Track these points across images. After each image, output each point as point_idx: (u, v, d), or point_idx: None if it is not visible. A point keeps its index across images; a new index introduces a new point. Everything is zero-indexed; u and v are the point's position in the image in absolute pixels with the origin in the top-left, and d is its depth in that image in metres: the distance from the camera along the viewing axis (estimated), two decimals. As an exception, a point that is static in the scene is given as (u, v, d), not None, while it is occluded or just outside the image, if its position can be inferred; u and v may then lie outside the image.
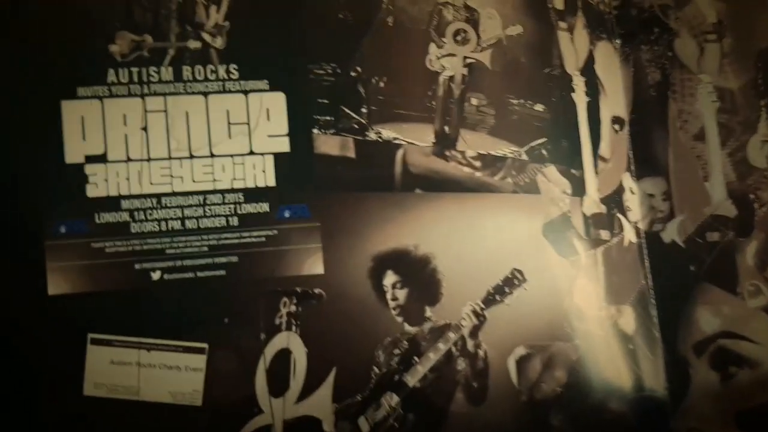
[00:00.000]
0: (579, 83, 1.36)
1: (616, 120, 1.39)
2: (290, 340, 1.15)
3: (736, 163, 1.36)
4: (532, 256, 1.25)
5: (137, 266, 1.13)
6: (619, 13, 1.40)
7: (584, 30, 1.38)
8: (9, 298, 1.09)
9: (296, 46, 1.19)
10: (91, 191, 1.13)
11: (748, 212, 1.34)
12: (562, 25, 1.37)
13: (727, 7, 1.36)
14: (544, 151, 1.30)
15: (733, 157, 1.36)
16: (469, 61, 1.29)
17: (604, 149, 1.37)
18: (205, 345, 1.13)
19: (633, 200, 1.37)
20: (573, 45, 1.37)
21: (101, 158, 1.13)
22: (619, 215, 1.35)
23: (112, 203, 1.13)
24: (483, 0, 1.30)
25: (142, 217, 1.14)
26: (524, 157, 1.29)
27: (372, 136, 1.22)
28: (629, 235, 1.35)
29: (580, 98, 1.36)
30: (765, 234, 1.33)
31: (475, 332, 1.21)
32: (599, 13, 1.40)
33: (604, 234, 1.33)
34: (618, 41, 1.40)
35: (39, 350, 1.09)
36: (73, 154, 1.13)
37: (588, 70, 1.38)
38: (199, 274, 1.14)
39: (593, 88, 1.38)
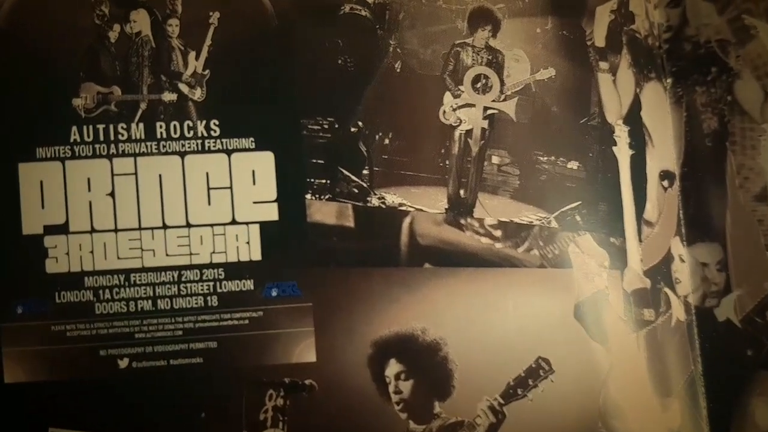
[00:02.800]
0: (622, 134, 1.36)
1: (666, 175, 1.38)
2: (277, 439, 1.16)
3: (805, 230, 1.34)
4: (562, 342, 1.25)
5: (102, 352, 1.15)
6: (670, 47, 1.39)
7: (630, 70, 1.38)
8: (-41, 387, 1.11)
9: (287, 97, 1.20)
10: (51, 266, 1.15)
11: (818, 289, 1.33)
12: (603, 65, 1.36)
13: (798, 45, 1.35)
14: (578, 217, 1.30)
15: (802, 223, 1.35)
16: (490, 112, 1.29)
17: (649, 212, 1.36)
18: (178, 443, 1.15)
19: (683, 270, 1.36)
20: (616, 89, 1.37)
21: (62, 229, 1.16)
22: (666, 290, 1.34)
23: (74, 280, 1.16)
24: (509, 40, 1.31)
25: (108, 296, 1.16)
26: (554, 224, 1.29)
27: (374, 202, 1.23)
28: (677, 313, 1.34)
29: (623, 152, 1.35)
30: (836, 316, 1.32)
31: (492, 432, 1.21)
32: (648, 49, 1.39)
33: (648, 313, 1.32)
34: (669, 80, 1.39)
35: (-8, 444, 1.11)
36: (31, 224, 1.16)
37: (632, 118, 1.37)
38: (173, 361, 1.16)
39: (638, 140, 1.37)
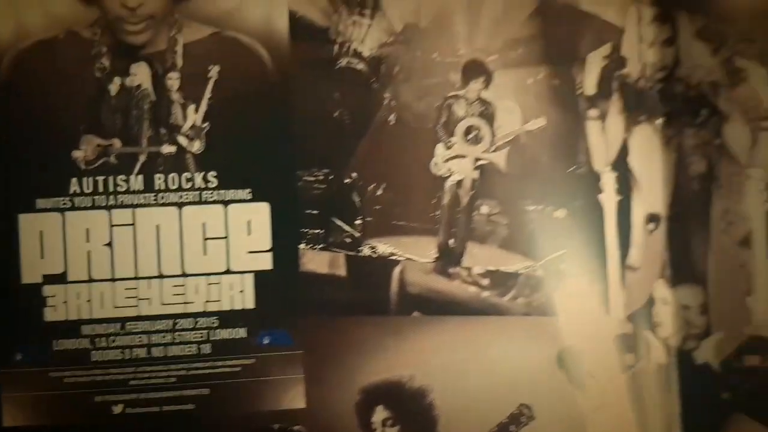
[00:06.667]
0: (609, 181, 1.17)
1: (652, 218, 1.19)
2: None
3: (786, 276, 1.15)
4: (544, 388, 1.08)
5: (98, 398, 0.99)
6: (663, 87, 1.20)
7: (620, 115, 1.19)
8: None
9: (284, 149, 1.02)
10: (50, 315, 0.99)
11: (795, 336, 1.14)
12: (593, 113, 1.17)
13: (789, 89, 1.15)
14: (563, 265, 1.12)
15: (783, 270, 1.16)
16: (480, 162, 1.11)
17: (633, 257, 1.18)
18: (171, 488, 0.99)
19: (665, 312, 1.18)
20: (604, 135, 1.18)
21: (61, 278, 0.99)
22: (648, 334, 1.16)
23: (71, 328, 0.99)
24: (500, 91, 1.12)
25: (104, 343, 0.99)
26: (540, 272, 1.11)
27: (366, 251, 1.05)
28: (657, 356, 1.15)
29: (609, 199, 1.17)
30: (813, 362, 1.13)
31: (475, 477, 1.04)
32: (639, 92, 1.20)
33: (629, 358, 1.14)
34: (660, 121, 1.20)
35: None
36: (31, 273, 0.99)
37: (620, 163, 1.18)
38: (165, 408, 0.99)
39: (625, 185, 1.18)
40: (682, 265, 1.18)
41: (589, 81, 1.17)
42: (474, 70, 1.11)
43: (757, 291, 1.16)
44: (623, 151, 1.19)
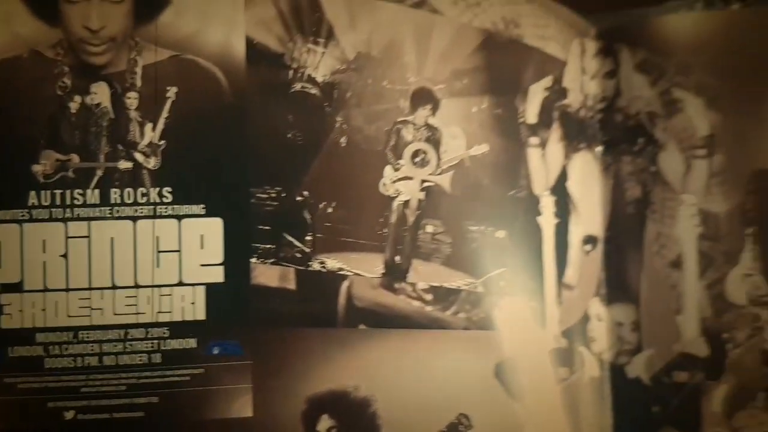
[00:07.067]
0: (547, 204, 1.15)
1: (589, 239, 1.17)
2: (215, 489, 0.95)
3: (714, 297, 1.12)
4: (482, 399, 1.04)
5: (50, 404, 0.94)
6: (603, 117, 1.18)
7: (560, 143, 1.17)
8: None
9: (238, 167, 0.99)
10: (6, 322, 0.93)
11: (721, 353, 1.11)
12: (534, 141, 1.15)
13: (722, 119, 1.11)
14: (502, 282, 1.09)
15: (711, 291, 1.13)
16: (426, 184, 1.08)
17: (570, 276, 1.15)
18: (119, 493, 0.94)
19: (599, 328, 1.16)
20: (544, 162, 1.16)
21: (17, 287, 0.94)
22: (582, 349, 1.13)
23: (26, 336, 0.94)
24: (447, 118, 1.09)
25: (58, 351, 0.94)
26: (480, 289, 1.08)
27: (315, 266, 1.01)
28: (591, 370, 1.13)
29: (548, 221, 1.14)
30: (737, 378, 1.11)
31: (414, 483, 1.00)
32: (580, 121, 1.18)
33: (564, 371, 1.11)
34: (599, 149, 1.18)
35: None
36: (-12, 282, 0.93)
37: (559, 188, 1.16)
38: (116, 415, 0.94)
39: (563, 208, 1.16)
40: (617, 284, 1.16)
41: (531, 111, 1.15)
42: (422, 97, 1.09)
43: (686, 310, 1.14)
44: (562, 177, 1.17)
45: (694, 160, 1.13)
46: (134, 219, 0.96)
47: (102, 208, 0.96)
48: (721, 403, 1.09)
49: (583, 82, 1.18)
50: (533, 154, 1.14)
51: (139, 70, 0.99)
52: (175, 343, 0.96)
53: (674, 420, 1.10)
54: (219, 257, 0.97)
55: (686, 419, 1.10)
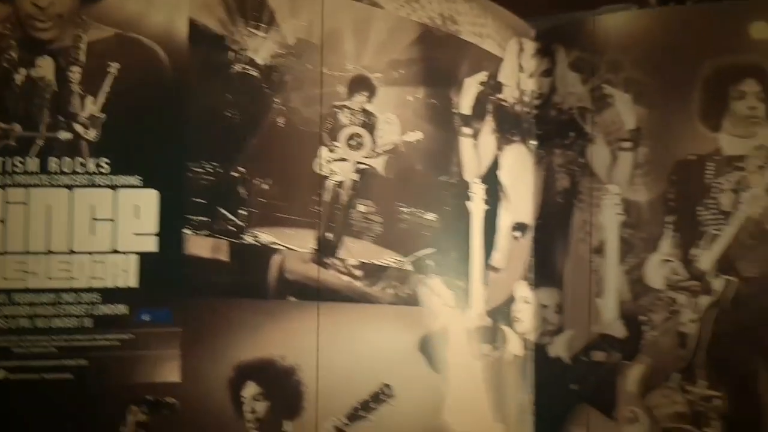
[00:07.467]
0: (478, 191, 1.12)
1: (519, 226, 1.14)
2: (138, 450, 0.90)
3: (633, 281, 1.10)
4: (406, 371, 1.00)
5: (-19, 364, 0.89)
6: (539, 113, 1.16)
7: (492, 135, 1.14)
8: None
9: (176, 142, 0.95)
10: (-58, 283, 0.89)
11: (637, 335, 1.09)
12: (466, 131, 1.12)
13: (648, 113, 1.09)
14: (430, 262, 1.06)
15: (630, 275, 1.10)
16: (361, 166, 1.04)
17: (497, 259, 1.12)
18: (47, 452, 0.88)
19: (526, 310, 1.13)
20: (476, 151, 1.13)
21: (-46, 250, 0.89)
22: (505, 328, 1.10)
23: (-39, 297, 0.89)
24: (383, 104, 1.06)
25: (-9, 312, 0.89)
26: (408, 267, 1.04)
27: (248, 239, 0.97)
28: (514, 349, 1.10)
29: (477, 206, 1.11)
30: (651, 359, 1.08)
31: (336, 450, 0.96)
32: (514, 115, 1.16)
33: (486, 348, 1.08)
34: (534, 143, 1.15)
35: None
36: (-74, 243, 0.89)
37: (490, 176, 1.13)
38: (46, 376, 0.89)
39: (494, 196, 1.13)
40: (544, 269, 1.14)
41: (465, 102, 1.12)
42: (359, 84, 1.05)
43: (606, 294, 1.11)
44: (494, 166, 1.15)
45: (620, 152, 1.11)
46: (71, 187, 0.92)
47: (41, 176, 0.91)
48: (635, 382, 1.06)
49: (520, 79, 1.16)
50: (465, 144, 1.12)
51: (83, 46, 0.95)
52: (106, 309, 0.91)
53: (591, 398, 1.08)
54: (153, 227, 0.93)
55: (602, 397, 1.07)
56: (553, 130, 1.16)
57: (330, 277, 1.00)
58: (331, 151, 1.03)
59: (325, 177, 1.02)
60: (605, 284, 1.11)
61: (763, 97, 1.04)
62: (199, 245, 0.94)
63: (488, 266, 1.10)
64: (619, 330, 1.09)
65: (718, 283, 1.05)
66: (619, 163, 1.11)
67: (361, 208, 1.03)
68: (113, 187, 0.92)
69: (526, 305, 1.13)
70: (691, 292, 1.06)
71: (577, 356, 1.10)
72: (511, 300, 1.11)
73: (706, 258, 1.06)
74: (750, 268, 1.04)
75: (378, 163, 1.05)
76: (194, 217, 0.94)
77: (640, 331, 1.08)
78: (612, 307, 1.10)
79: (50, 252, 0.90)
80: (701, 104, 1.08)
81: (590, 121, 1.13)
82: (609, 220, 1.11)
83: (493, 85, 1.15)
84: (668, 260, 1.08)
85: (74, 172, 0.92)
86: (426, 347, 1.02)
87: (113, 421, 0.89)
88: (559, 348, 1.11)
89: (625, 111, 1.11)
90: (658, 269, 1.09)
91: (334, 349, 0.97)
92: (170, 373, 0.91)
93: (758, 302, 1.03)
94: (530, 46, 1.17)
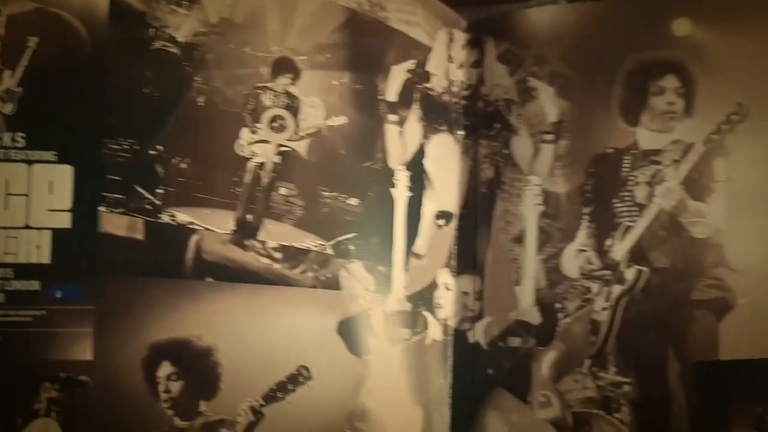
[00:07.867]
0: (401, 178, 1.13)
1: (443, 215, 1.16)
2: (48, 428, 0.89)
3: (549, 270, 1.13)
4: (323, 353, 1.01)
5: None
6: (467, 104, 1.18)
7: (419, 123, 1.16)
8: None
9: (93, 118, 0.94)
10: None
11: (552, 321, 1.12)
12: (392, 117, 1.14)
13: (571, 106, 1.12)
14: (351, 247, 1.07)
15: (547, 264, 1.14)
16: (283, 149, 1.05)
17: (419, 246, 1.14)
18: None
19: (447, 297, 1.15)
20: (402, 138, 1.15)
21: None
22: (426, 313, 1.12)
23: None
24: (307, 88, 1.07)
25: None
26: (329, 251, 1.05)
27: (165, 218, 0.97)
28: (433, 334, 1.12)
29: (401, 193, 1.13)
30: (565, 345, 1.11)
31: (250, 429, 0.96)
32: (442, 105, 1.18)
33: (405, 332, 1.10)
34: (461, 133, 1.18)
35: None
36: None
37: (415, 164, 1.15)
38: (-44, 351, 0.88)
39: (418, 183, 1.15)
40: (467, 256, 1.16)
41: (391, 90, 1.14)
42: (283, 66, 1.06)
43: (523, 281, 1.14)
44: (420, 154, 1.16)
45: (542, 144, 1.14)
46: (-17, 161, 0.91)
47: (-49, 149, 0.90)
48: (549, 368, 1.10)
49: (449, 69, 1.18)
50: (391, 130, 1.13)
51: (2, 19, 0.93)
52: (18, 285, 0.90)
53: (506, 382, 1.11)
54: (67, 204, 0.92)
55: (517, 382, 1.10)
56: (480, 120, 1.18)
57: (249, 258, 1.00)
58: (252, 132, 1.03)
59: (247, 158, 1.02)
60: (524, 272, 1.14)
61: (682, 92, 1.08)
62: (115, 223, 0.93)
63: (411, 253, 1.12)
64: (534, 317, 1.12)
65: (630, 273, 1.08)
66: (540, 155, 1.14)
67: (283, 190, 1.03)
68: (28, 162, 0.91)
69: (448, 292, 1.15)
70: (604, 281, 1.10)
71: (494, 342, 1.12)
72: (433, 286, 1.13)
73: (619, 248, 1.09)
74: (661, 258, 1.08)
75: (301, 147, 1.06)
76: (110, 195, 0.93)
77: (555, 318, 1.12)
78: (528, 295, 1.13)
79: (-40, 226, 0.89)
80: (621, 99, 1.12)
81: (515, 113, 1.16)
82: (529, 210, 1.14)
83: (421, 74, 1.16)
84: (583, 250, 1.11)
85: (-13, 146, 0.90)
86: (345, 331, 1.03)
87: (26, 397, 0.88)
88: (478, 334, 1.14)
89: (548, 104, 1.14)
90: (573, 259, 1.12)
91: (251, 331, 0.98)
92: (82, 351, 0.90)
93: (668, 292, 1.07)
94: (460, 36, 1.19)
